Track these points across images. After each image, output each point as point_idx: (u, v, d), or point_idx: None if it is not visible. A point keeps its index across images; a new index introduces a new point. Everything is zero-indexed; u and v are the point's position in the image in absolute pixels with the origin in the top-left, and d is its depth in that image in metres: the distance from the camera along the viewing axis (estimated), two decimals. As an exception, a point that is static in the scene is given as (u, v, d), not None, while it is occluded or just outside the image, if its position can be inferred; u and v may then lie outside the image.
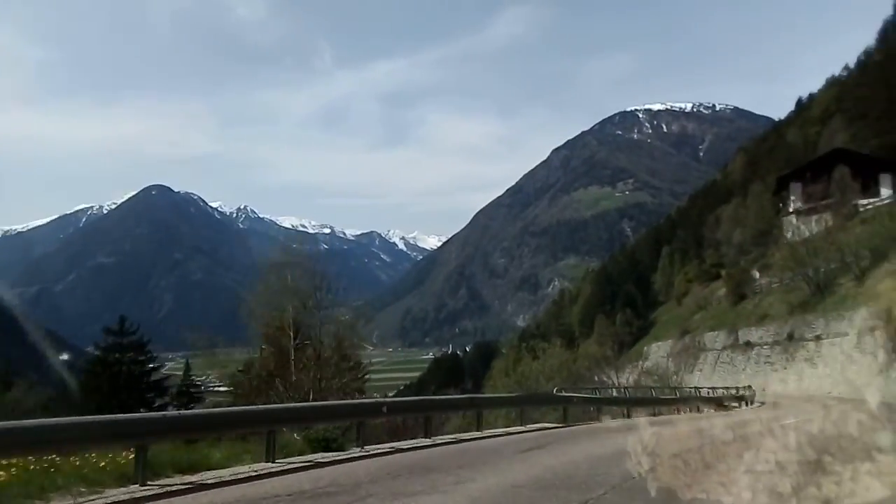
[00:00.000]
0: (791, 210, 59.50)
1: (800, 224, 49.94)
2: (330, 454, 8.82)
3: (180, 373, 46.63)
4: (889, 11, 68.95)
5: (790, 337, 41.77)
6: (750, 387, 30.54)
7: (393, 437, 10.96)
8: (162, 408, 33.30)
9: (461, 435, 11.38)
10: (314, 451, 9.11)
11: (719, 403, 25.31)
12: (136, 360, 37.74)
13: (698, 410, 24.36)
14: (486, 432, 12.00)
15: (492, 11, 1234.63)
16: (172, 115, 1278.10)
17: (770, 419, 3.70)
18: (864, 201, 52.15)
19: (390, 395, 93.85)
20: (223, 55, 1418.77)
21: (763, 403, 27.45)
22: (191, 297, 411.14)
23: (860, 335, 34.31)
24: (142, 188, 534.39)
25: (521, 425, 13.50)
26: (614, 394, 23.33)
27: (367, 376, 50.35)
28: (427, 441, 10.21)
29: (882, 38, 70.86)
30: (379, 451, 9.09)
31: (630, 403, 19.71)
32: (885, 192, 54.29)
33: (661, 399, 22.17)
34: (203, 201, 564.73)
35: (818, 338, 38.61)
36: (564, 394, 14.84)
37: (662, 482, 2.55)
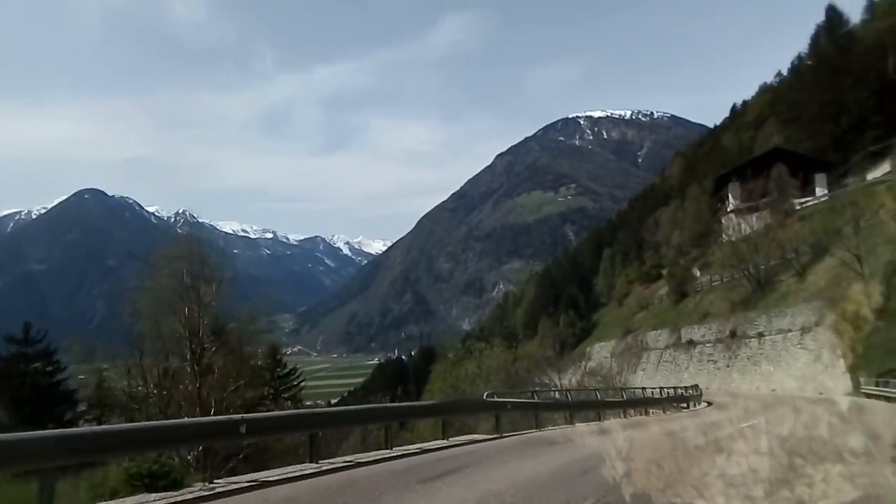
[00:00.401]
0: (730, 209, 59.56)
1: (739, 222, 49.65)
2: (152, 496, 6.25)
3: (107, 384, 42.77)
4: (821, 17, 69.95)
5: (732, 334, 41.09)
6: (696, 386, 29.25)
7: (270, 462, 8.63)
8: (72, 422, 30.04)
9: (360, 456, 9.02)
10: (134, 492, 6.51)
11: (668, 405, 23.74)
12: (42, 370, 34.12)
13: (645, 413, 22.73)
14: (397, 450, 9.70)
15: (435, 18, 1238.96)
16: (106, 116, 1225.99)
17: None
18: (800, 200, 52.51)
19: (333, 402, 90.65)
20: (160, 56, 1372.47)
21: (710, 404, 26.06)
22: (125, 305, 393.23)
23: (803, 332, 33.64)
24: (73, 192, 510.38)
25: (444, 438, 11.25)
26: (557, 397, 21.44)
27: (303, 383, 47.41)
28: (313, 467, 7.83)
29: (814, 43, 72.01)
30: (231, 487, 6.56)
31: (572, 408, 17.76)
32: (821, 190, 54.81)
33: (606, 402, 20.33)
34: (139, 205, 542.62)
35: (761, 335, 37.94)
36: (497, 399, 12.67)
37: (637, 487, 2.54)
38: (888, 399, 21.62)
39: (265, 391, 41.87)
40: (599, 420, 18.84)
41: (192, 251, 18.70)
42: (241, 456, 16.02)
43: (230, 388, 15.82)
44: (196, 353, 16.37)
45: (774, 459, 2.39)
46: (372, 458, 8.59)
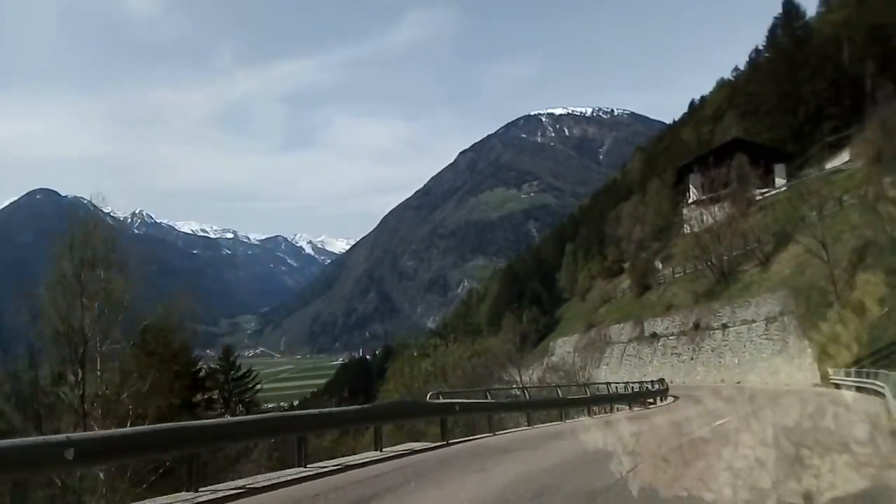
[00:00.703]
0: (691, 201, 59.19)
1: (701, 212, 49.05)
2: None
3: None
4: (778, 11, 70.24)
5: (696, 326, 40.30)
6: (662, 380, 28.10)
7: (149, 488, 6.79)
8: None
9: (257, 479, 7.19)
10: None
11: (634, 401, 22.41)
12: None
13: (610, 410, 21.34)
14: (311, 468, 7.89)
15: (396, 15, 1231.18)
16: (60, 115, 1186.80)
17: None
18: (761, 191, 52.27)
19: (296, 403, 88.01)
20: (116, 52, 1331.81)
21: (677, 398, 24.88)
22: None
23: (768, 322, 32.87)
24: (25, 192, 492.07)
25: (378, 450, 9.52)
26: (517, 394, 19.88)
27: (259, 385, 44.96)
28: (187, 496, 6.02)
29: (771, 36, 72.38)
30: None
31: (531, 407, 16.20)
32: (780, 181, 54.69)
33: (569, 400, 18.84)
34: (93, 206, 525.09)
35: (725, 326, 37.16)
36: (442, 400, 10.99)
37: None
38: (859, 389, 20.61)
39: (214, 395, 39.59)
40: (562, 419, 17.38)
41: (80, 234, 16.34)
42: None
43: (125, 393, 13.74)
44: (78, 354, 14.19)
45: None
46: (268, 482, 6.80)
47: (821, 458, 3.18)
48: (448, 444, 10.96)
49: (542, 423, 17.59)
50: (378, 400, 36.64)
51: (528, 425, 15.52)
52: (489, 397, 13.31)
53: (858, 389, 20.57)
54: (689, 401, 22.46)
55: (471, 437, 12.48)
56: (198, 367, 35.85)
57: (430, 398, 11.28)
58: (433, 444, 10.82)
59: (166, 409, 14.67)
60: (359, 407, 9.32)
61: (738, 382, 32.45)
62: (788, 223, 36.58)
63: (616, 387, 28.61)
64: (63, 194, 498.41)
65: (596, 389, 25.02)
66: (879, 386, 16.68)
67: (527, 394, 16.84)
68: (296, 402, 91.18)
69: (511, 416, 18.46)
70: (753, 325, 34.21)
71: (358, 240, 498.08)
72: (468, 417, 16.92)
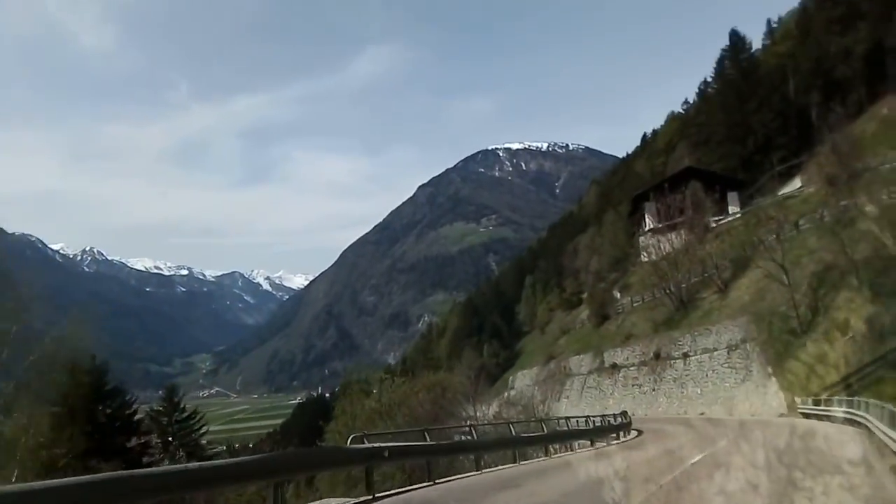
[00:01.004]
0: (647, 229, 58.82)
1: (658, 239, 48.50)
2: None
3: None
4: (725, 41, 71.75)
5: (657, 356, 39.10)
6: (625, 413, 26.54)
7: None
8: None
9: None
10: None
11: (596, 436, 20.72)
12: None
13: (569, 449, 19.58)
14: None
15: (353, 50, 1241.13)
16: (10, 149, 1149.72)
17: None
18: (715, 218, 52.14)
19: (251, 445, 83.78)
20: (67, 87, 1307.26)
21: (640, 432, 23.30)
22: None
23: (730, 350, 31.80)
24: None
25: (277, 512, 7.57)
26: (464, 433, 17.79)
27: (204, 427, 41.81)
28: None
29: (719, 68, 73.81)
30: None
31: (481, 449, 14.32)
32: (734, 208, 54.75)
33: (523, 438, 17.01)
34: (42, 243, 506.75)
35: (686, 355, 36.02)
36: (366, 445, 9.10)
37: None
38: (830, 419, 19.32)
39: (153, 439, 36.52)
40: (515, 461, 15.51)
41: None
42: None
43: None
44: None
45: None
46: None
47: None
48: (374, 500, 9.04)
49: (496, 465, 15.72)
50: (325, 442, 34.10)
51: (476, 470, 13.65)
52: (427, 438, 11.41)
53: (830, 419, 19.32)
54: (655, 436, 20.90)
55: (403, 489, 10.56)
56: (132, 410, 33.32)
57: (351, 442, 9.39)
58: (356, 501, 8.89)
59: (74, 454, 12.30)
60: (257, 457, 7.41)
61: (702, 413, 31.19)
62: (746, 248, 35.98)
63: (578, 421, 26.98)
64: (9, 231, 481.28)
65: (556, 425, 23.32)
66: (860, 416, 15.21)
67: (474, 432, 14.90)
68: (251, 444, 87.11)
69: (458, 459, 16.55)
70: (715, 353, 33.13)
71: (317, 275, 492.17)
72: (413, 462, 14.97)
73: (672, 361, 37.30)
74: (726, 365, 31.74)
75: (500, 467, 14.89)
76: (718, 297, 37.31)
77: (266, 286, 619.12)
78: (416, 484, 11.83)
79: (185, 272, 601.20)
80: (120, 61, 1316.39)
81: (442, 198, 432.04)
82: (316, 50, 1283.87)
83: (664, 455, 12.94)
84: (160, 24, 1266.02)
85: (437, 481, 11.23)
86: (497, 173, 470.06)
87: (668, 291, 42.24)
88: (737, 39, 70.92)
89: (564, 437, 19.97)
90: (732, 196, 56.72)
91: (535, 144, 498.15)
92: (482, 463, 14.64)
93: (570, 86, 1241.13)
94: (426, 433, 11.78)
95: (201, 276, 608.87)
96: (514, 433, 16.42)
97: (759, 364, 28.14)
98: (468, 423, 16.81)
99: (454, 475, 13.08)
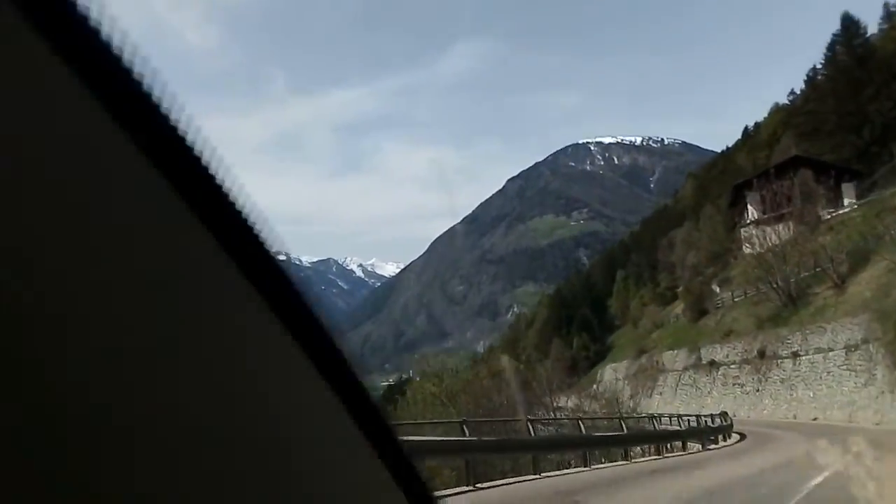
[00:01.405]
0: (750, 220, 55.33)
1: (763, 229, 45.26)
2: None
3: None
4: (836, 26, 66.47)
5: (761, 355, 36.64)
6: (725, 414, 24.90)
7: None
8: None
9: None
10: None
11: (691, 439, 19.30)
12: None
13: (658, 452, 17.88)
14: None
15: (444, 45, 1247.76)
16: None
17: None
18: (828, 210, 48.18)
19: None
20: (171, 81, 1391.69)
21: (743, 437, 21.69)
22: None
23: (848, 350, 29.20)
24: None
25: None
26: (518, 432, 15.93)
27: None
28: None
29: (830, 53, 68.42)
30: None
31: (532, 449, 12.73)
32: (848, 201, 50.39)
33: (594, 438, 15.30)
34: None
35: (795, 355, 33.48)
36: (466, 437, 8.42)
37: None
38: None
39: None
40: (587, 465, 14.06)
41: None
42: None
43: None
44: None
45: None
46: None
47: None
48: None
49: (555, 470, 14.31)
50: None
51: (535, 473, 12.43)
52: (466, 432, 10.24)
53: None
54: (762, 442, 19.13)
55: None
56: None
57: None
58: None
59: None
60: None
61: (815, 419, 28.87)
62: (869, 239, 32.95)
63: (671, 419, 25.45)
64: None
65: (645, 422, 21.91)
66: None
67: (531, 428, 13.37)
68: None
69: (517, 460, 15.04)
70: (830, 353, 30.48)
71: (408, 263, 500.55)
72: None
73: (779, 361, 34.81)
74: (844, 367, 29.14)
75: (561, 473, 13.61)
76: (834, 293, 34.36)
77: (359, 273, 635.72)
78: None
79: (282, 258, 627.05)
80: (221, 57, 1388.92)
81: (531, 191, 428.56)
82: (408, 44, 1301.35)
83: (774, 470, 11.68)
84: (259, 21, 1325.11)
85: (477, 485, 10.14)
86: (588, 167, 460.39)
87: (774, 286, 39.40)
88: (850, 24, 65.65)
89: (647, 438, 18.46)
90: (847, 187, 52.23)
91: (628, 139, 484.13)
92: (541, 464, 13.27)
93: (666, 79, 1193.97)
94: (464, 426, 10.67)
95: (298, 262, 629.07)
96: (583, 432, 15.03)
97: (885, 367, 25.57)
98: (527, 417, 15.46)
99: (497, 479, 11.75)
